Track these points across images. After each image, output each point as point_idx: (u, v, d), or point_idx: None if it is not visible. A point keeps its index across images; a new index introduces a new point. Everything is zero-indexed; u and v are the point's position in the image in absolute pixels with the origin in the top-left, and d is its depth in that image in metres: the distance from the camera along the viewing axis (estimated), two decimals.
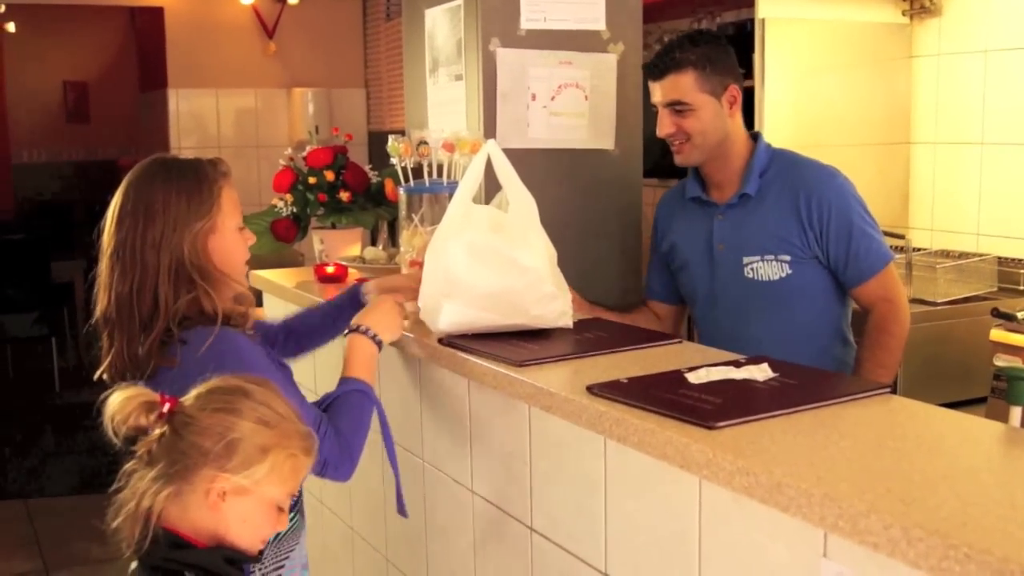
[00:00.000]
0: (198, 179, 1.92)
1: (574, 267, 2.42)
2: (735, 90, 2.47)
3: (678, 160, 2.54)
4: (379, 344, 2.06)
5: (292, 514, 1.95)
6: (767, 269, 2.45)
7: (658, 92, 2.48)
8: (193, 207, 1.89)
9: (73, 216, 9.13)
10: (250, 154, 6.84)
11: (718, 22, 4.93)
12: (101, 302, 1.92)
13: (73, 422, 5.91)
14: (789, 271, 2.43)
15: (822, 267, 2.44)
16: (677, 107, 2.44)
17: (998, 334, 3.21)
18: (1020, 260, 3.75)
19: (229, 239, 1.95)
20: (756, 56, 4.03)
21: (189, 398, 1.58)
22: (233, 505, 1.55)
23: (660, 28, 5.18)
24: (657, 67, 2.47)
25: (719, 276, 2.53)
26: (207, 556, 1.56)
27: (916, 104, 4.21)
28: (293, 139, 6.76)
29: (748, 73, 4.52)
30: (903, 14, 4.18)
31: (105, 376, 1.92)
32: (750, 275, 2.46)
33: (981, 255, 3.72)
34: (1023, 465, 1.36)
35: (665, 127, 2.48)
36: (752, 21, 4.09)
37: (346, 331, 2.10)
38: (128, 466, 1.58)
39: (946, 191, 4.02)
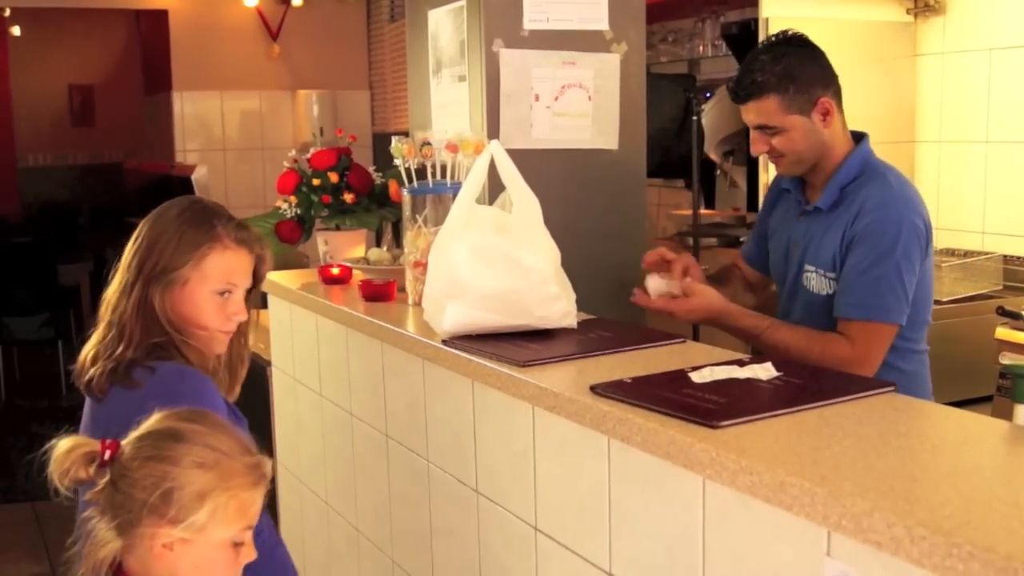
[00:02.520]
0: (197, 229, 1.92)
1: (577, 267, 2.41)
2: (826, 102, 2.31)
3: (779, 171, 2.48)
4: None
5: None
6: (818, 282, 2.35)
7: (745, 114, 2.38)
8: (175, 254, 1.90)
9: (79, 219, 9.16)
10: (255, 156, 6.86)
11: (721, 21, 4.92)
12: (107, 296, 1.97)
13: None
14: (832, 290, 2.31)
15: None
16: (767, 130, 2.34)
17: (1004, 332, 3.21)
18: None
19: (198, 300, 1.92)
20: None
21: (128, 442, 1.53)
22: (182, 555, 1.51)
23: (664, 28, 5.18)
24: (738, 94, 2.36)
25: (791, 275, 2.45)
26: None
27: (921, 103, 4.21)
28: (298, 141, 6.76)
29: None
30: (907, 12, 4.18)
31: (82, 363, 1.94)
32: (806, 284, 2.39)
33: (986, 254, 3.72)
34: None
35: (758, 146, 2.39)
36: (756, 21, 4.09)
37: None
38: (85, 514, 1.55)
39: (951, 190, 4.02)
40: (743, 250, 2.77)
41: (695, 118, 4.49)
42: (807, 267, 2.37)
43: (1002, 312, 3.29)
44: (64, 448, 1.53)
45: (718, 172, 4.90)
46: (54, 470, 1.52)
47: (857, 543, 1.17)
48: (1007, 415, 2.00)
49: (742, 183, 4.77)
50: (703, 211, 4.56)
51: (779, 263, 2.53)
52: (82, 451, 1.53)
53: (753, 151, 2.43)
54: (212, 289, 1.93)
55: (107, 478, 1.51)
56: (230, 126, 6.78)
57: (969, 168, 3.98)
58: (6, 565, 4.62)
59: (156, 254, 1.91)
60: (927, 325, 2.40)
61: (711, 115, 4.63)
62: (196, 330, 1.94)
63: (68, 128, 10.28)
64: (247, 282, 1.99)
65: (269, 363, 3.30)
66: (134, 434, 1.54)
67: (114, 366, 1.87)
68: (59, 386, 6.89)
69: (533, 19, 2.73)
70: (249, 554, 1.57)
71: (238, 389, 2.12)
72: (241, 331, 2.06)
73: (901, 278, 2.21)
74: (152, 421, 1.56)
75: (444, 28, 2.88)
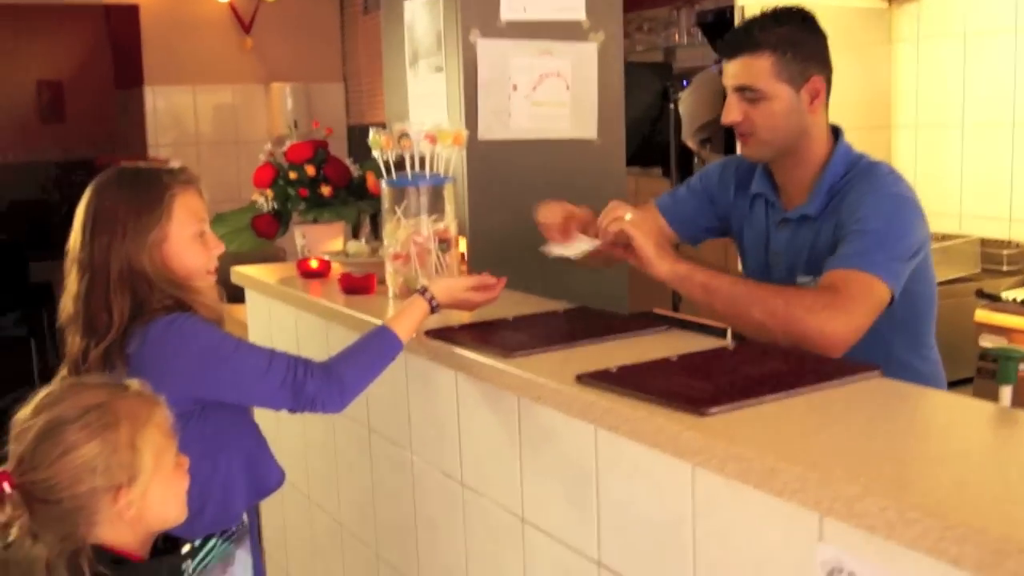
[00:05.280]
0: (148, 188, 1.95)
1: (551, 259, 2.41)
2: (819, 82, 2.11)
3: (743, 152, 2.23)
4: (434, 308, 2.06)
5: (217, 540, 1.95)
6: None
7: (728, 73, 2.15)
8: (143, 217, 1.92)
9: (50, 216, 9.06)
10: (228, 150, 6.80)
11: (697, 10, 4.92)
12: (65, 305, 1.97)
13: None
14: None
15: (891, 308, 2.00)
16: (748, 93, 2.11)
17: (983, 315, 3.23)
18: (1003, 241, 3.77)
19: (183, 247, 1.96)
20: None
21: (14, 466, 1.49)
22: (148, 502, 1.53)
23: (640, 16, 5.17)
24: (730, 45, 2.15)
25: (774, 282, 2.17)
26: (151, 569, 1.56)
27: (896, 88, 4.22)
28: (272, 134, 6.71)
29: None
30: None
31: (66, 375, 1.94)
32: None
33: (964, 236, 3.73)
34: (1014, 444, 1.36)
35: (731, 113, 2.14)
36: (731, 9, 4.09)
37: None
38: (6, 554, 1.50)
39: (928, 174, 4.03)
40: (663, 202, 2.47)
41: (672, 106, 4.49)
42: (802, 278, 2.14)
43: (981, 295, 3.32)
44: None
45: (696, 159, 4.91)
46: None
47: (849, 527, 1.16)
48: (988, 397, 2.01)
49: None
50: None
51: (756, 272, 2.28)
52: None
53: (725, 118, 2.17)
54: (190, 234, 1.97)
55: (20, 510, 1.47)
56: (203, 120, 6.72)
57: (945, 152, 4.00)
58: None
59: (121, 227, 1.91)
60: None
61: (688, 102, 4.63)
62: (189, 281, 1.97)
63: (38, 125, 10.16)
64: (207, 214, 2.04)
65: None
66: (15, 457, 1.50)
67: (106, 350, 1.88)
68: (33, 383, 6.81)
69: (510, 9, 2.72)
70: (185, 460, 1.62)
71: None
72: None
73: (896, 249, 1.99)
74: (18, 435, 1.51)
75: (420, 19, 2.86)
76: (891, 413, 1.47)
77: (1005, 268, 3.65)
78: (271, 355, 1.93)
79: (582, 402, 1.57)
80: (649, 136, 4.66)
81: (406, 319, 2.02)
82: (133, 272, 1.91)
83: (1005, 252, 3.69)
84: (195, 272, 1.98)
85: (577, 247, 2.18)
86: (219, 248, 2.04)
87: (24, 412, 1.54)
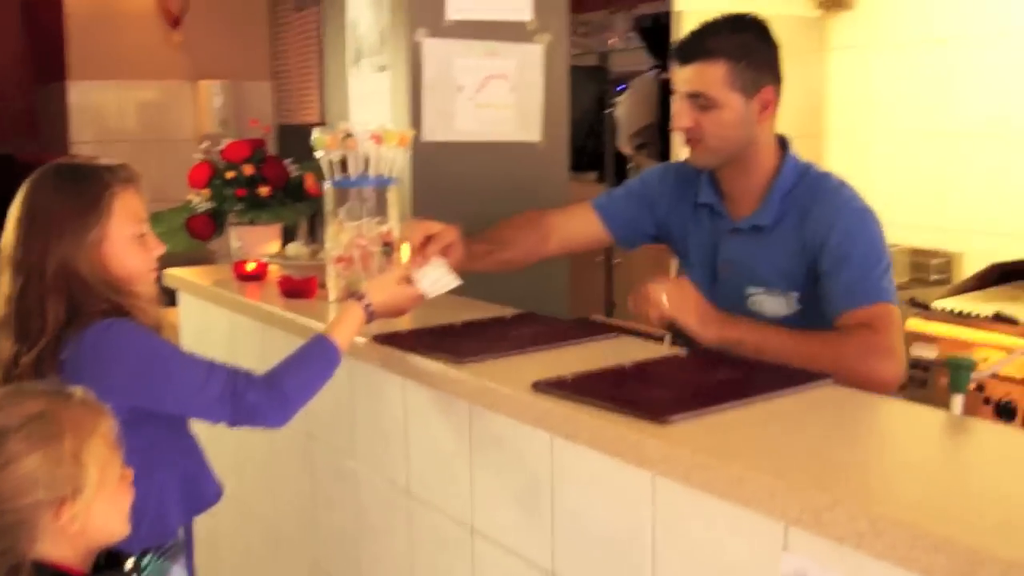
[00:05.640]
0: (87, 186, 1.86)
1: None
2: (770, 92, 2.11)
3: (690, 159, 2.21)
4: (371, 315, 1.98)
5: (152, 557, 1.89)
6: (773, 304, 2.12)
7: (681, 79, 2.12)
8: (81, 216, 1.84)
9: None
10: (153, 148, 6.65)
11: (634, 14, 4.95)
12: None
13: None
14: (796, 308, 2.09)
15: None
16: (699, 100, 2.09)
17: (914, 323, 3.28)
18: (931, 251, 3.84)
19: (123, 248, 1.88)
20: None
21: None
22: (92, 516, 1.47)
23: (576, 19, 5.17)
24: (684, 50, 2.12)
25: (721, 294, 2.13)
26: None
27: (830, 96, 4.29)
28: (199, 133, 6.60)
29: (664, 65, 4.57)
30: (817, 7, 4.26)
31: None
32: (752, 307, 2.13)
33: (894, 245, 3.79)
34: (972, 452, 1.37)
35: (681, 119, 2.12)
36: (669, 14, 4.12)
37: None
38: None
39: (858, 182, 4.04)
40: (600, 202, 2.43)
41: (607, 111, 4.50)
42: (752, 290, 2.14)
43: (914, 304, 3.37)
44: None
45: (630, 165, 4.93)
46: None
47: (815, 537, 1.16)
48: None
49: None
50: None
51: (700, 283, 2.13)
52: None
53: (675, 123, 2.15)
54: (130, 235, 1.88)
55: None
56: (128, 117, 6.57)
57: (877, 160, 4.07)
58: None
59: (57, 228, 1.83)
60: None
61: (624, 108, 4.66)
62: (128, 285, 1.88)
63: None
64: (146, 214, 1.95)
65: None
66: None
67: (38, 356, 1.80)
68: None
69: (457, 8, 2.69)
70: (127, 475, 1.56)
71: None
72: None
73: (884, 262, 2.04)
74: None
75: (364, 16, 2.82)
76: (848, 421, 1.48)
77: (933, 278, 3.73)
78: (210, 366, 1.87)
79: (539, 410, 1.55)
80: (585, 141, 4.67)
81: (344, 327, 1.95)
82: (69, 274, 1.82)
83: (933, 261, 3.77)
84: (135, 274, 1.91)
85: (437, 284, 2.05)
86: (160, 249, 1.97)
87: None
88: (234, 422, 1.84)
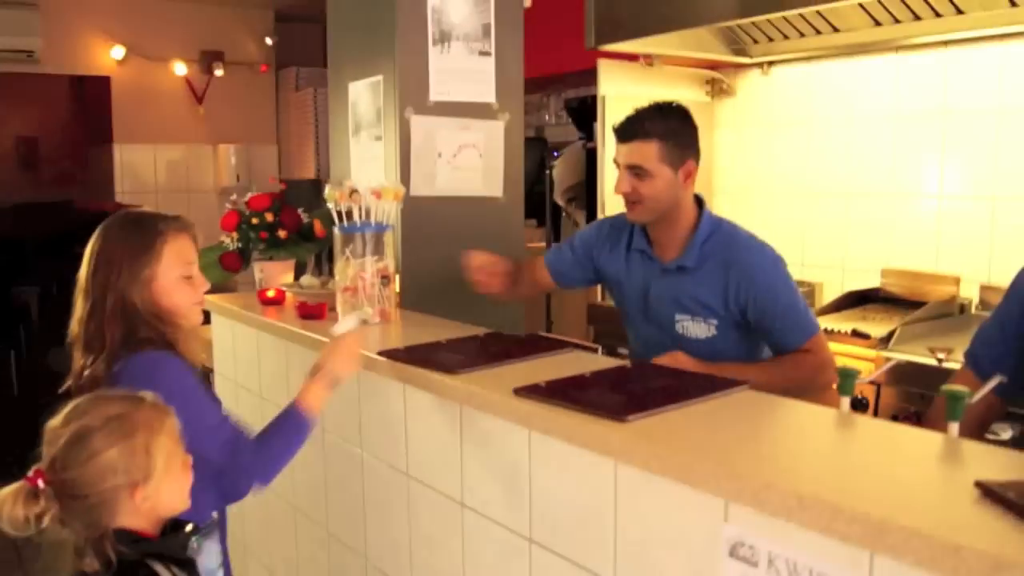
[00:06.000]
0: (143, 233, 1.80)
1: (466, 289, 2.39)
2: (691, 166, 2.16)
3: (629, 216, 2.23)
4: (334, 381, 1.87)
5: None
6: (695, 328, 2.17)
7: (622, 153, 2.16)
8: (136, 257, 1.78)
9: (26, 249, 8.53)
10: (180, 198, 6.57)
11: (564, 96, 4.97)
12: (72, 327, 1.82)
13: (33, 423, 5.47)
14: (714, 332, 2.15)
15: (748, 331, 2.14)
16: (637, 171, 2.13)
17: None
18: (798, 281, 3.87)
19: (171, 285, 1.80)
20: (598, 124, 4.07)
21: (47, 467, 1.40)
22: (160, 496, 1.44)
23: None
24: (626, 131, 2.16)
25: (652, 322, 2.24)
26: (163, 544, 1.47)
27: (717, 162, 4.33)
28: (218, 186, 6.51)
29: (590, 137, 4.59)
30: (707, 94, 4.30)
31: (71, 387, 1.78)
32: (680, 331, 2.18)
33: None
34: (865, 443, 1.35)
35: (622, 186, 2.16)
36: (594, 96, 4.14)
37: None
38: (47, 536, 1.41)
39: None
40: (548, 258, 2.49)
41: (547, 171, 4.50)
42: (680, 317, 2.18)
43: None
44: (2, 502, 1.38)
45: (564, 214, 4.93)
46: (3, 526, 1.37)
47: (751, 511, 1.15)
48: None
49: (582, 222, 4.80)
50: (553, 244, 4.57)
51: (634, 316, 2.31)
52: (19, 494, 1.38)
53: (617, 189, 2.20)
54: (178, 275, 1.81)
55: (52, 503, 1.38)
56: (160, 172, 6.47)
57: (754, 212, 4.12)
58: None
59: (117, 266, 1.77)
60: None
61: (558, 169, 4.66)
62: (174, 317, 1.81)
63: (16, 172, 9.59)
64: (196, 257, 1.88)
65: (211, 369, 3.12)
66: (48, 459, 1.40)
67: (93, 373, 1.74)
68: (11, 389, 6.38)
69: (438, 92, 2.67)
70: (187, 462, 1.53)
71: (203, 355, 1.97)
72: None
73: (798, 294, 2.15)
74: (52, 439, 1.42)
75: (363, 97, 2.79)
76: (767, 418, 1.47)
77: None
78: (225, 417, 1.79)
79: (521, 411, 1.52)
80: (529, 194, 4.65)
81: (312, 398, 1.81)
82: (125, 304, 1.76)
83: (801, 289, 3.79)
84: (181, 308, 1.83)
85: (347, 323, 2.01)
86: (205, 286, 1.89)
87: (55, 421, 1.43)
88: (223, 470, 1.72)
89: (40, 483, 1.38)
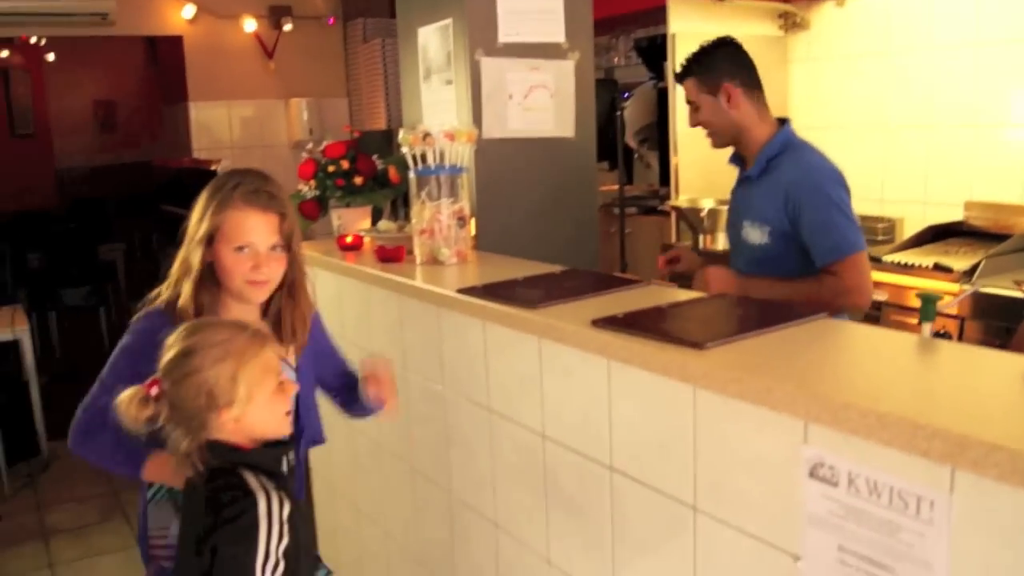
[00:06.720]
0: (212, 196, 1.81)
1: (540, 230, 2.43)
2: (730, 88, 2.30)
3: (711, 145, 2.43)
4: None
5: None
6: (753, 233, 2.30)
7: (684, 93, 2.42)
8: (205, 219, 1.79)
9: (107, 209, 8.86)
10: (255, 153, 6.70)
11: (633, 36, 4.90)
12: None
13: None
14: (767, 240, 2.25)
15: (799, 243, 2.21)
16: (692, 105, 2.38)
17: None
18: (878, 217, 3.81)
19: (223, 256, 1.79)
20: (668, 63, 4.02)
21: (161, 375, 1.53)
22: (250, 418, 1.54)
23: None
24: (677, 75, 2.44)
25: (732, 227, 2.43)
26: (255, 456, 1.56)
27: (792, 98, 4.25)
28: (291, 140, 6.62)
29: (660, 77, 4.53)
30: (779, 28, 4.20)
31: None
32: (745, 237, 2.33)
33: None
34: (945, 365, 1.36)
35: (689, 120, 2.43)
36: (664, 36, 4.08)
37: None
38: (165, 433, 1.56)
39: None
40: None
41: (618, 113, 4.47)
42: (745, 222, 2.33)
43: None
44: (123, 401, 1.53)
45: (636, 156, 4.91)
46: (124, 422, 1.53)
47: (830, 431, 1.17)
48: None
49: (655, 164, 4.77)
50: (626, 187, 4.56)
51: (729, 224, 2.49)
52: (135, 397, 1.53)
53: (689, 123, 2.44)
54: (232, 246, 1.77)
55: (163, 408, 1.53)
56: (234, 129, 6.60)
57: (830, 149, 4.02)
58: (77, 488, 4.50)
59: (196, 219, 1.81)
60: None
61: (629, 111, 4.62)
62: (228, 283, 1.82)
63: (95, 135, 9.91)
64: (267, 239, 1.79)
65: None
66: (162, 367, 1.54)
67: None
68: (103, 343, 6.69)
69: (507, 33, 2.68)
70: (291, 387, 1.61)
71: (302, 338, 1.97)
72: (288, 290, 1.92)
73: (844, 214, 2.16)
74: (167, 351, 1.55)
75: (433, 42, 2.81)
76: (846, 344, 1.48)
77: (879, 238, 3.70)
78: (104, 390, 1.71)
79: (600, 341, 1.56)
80: (600, 137, 4.64)
81: (158, 472, 1.75)
82: (196, 260, 1.80)
83: (879, 225, 3.74)
84: (229, 276, 1.81)
85: None
86: (262, 267, 1.80)
87: (175, 335, 1.56)
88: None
89: (154, 390, 1.52)
